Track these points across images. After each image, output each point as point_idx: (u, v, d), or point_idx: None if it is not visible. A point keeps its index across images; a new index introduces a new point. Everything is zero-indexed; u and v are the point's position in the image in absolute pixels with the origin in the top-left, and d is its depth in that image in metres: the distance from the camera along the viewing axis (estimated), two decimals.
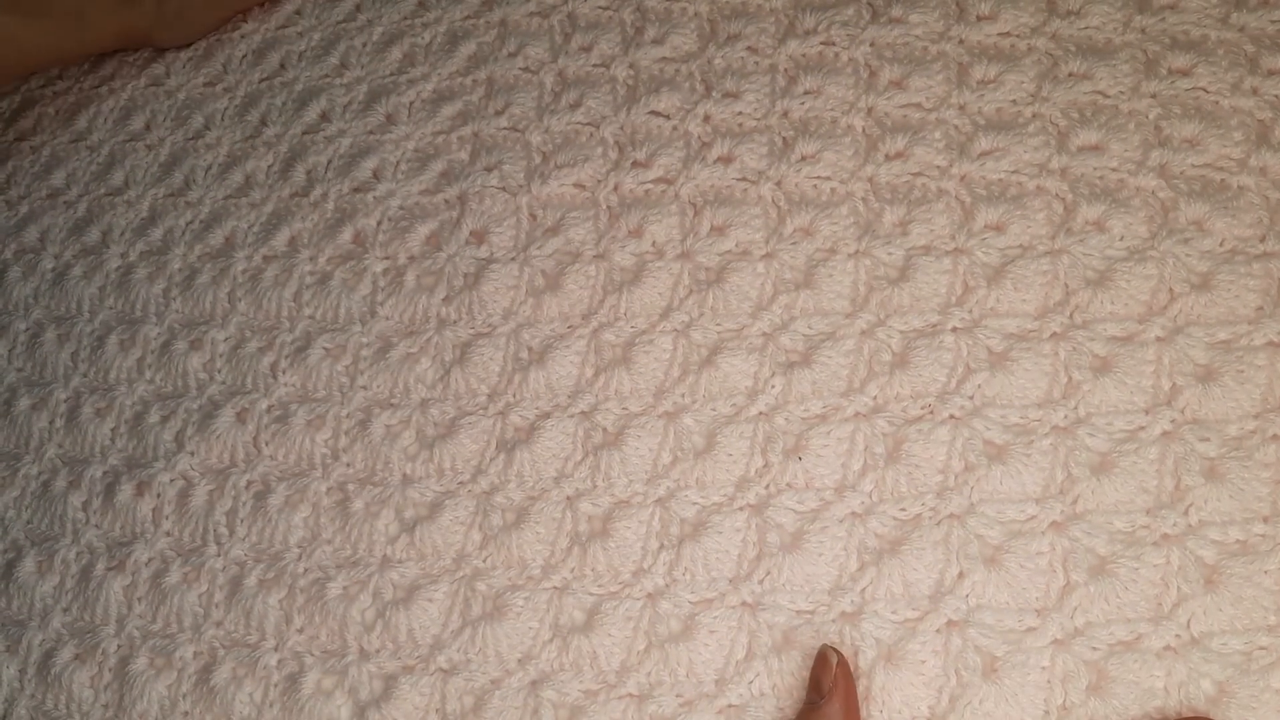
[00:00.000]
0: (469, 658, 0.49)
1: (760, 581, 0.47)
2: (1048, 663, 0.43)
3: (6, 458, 0.61)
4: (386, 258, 0.60)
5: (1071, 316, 0.48)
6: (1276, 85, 0.50)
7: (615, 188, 0.58)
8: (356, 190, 0.62)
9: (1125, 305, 0.48)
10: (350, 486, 0.54)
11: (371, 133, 0.64)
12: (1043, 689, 0.42)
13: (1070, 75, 0.53)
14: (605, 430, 0.52)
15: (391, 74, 0.66)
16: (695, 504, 0.49)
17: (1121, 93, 0.52)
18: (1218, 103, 0.50)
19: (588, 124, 0.60)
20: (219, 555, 0.54)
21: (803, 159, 0.55)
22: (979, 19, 0.56)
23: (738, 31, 0.60)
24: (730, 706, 0.45)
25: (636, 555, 0.49)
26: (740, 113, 0.57)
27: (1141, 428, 0.45)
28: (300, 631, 0.52)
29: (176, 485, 0.57)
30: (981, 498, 0.46)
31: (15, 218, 0.70)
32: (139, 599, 0.55)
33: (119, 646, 0.54)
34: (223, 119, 0.69)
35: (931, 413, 0.48)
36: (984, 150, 0.52)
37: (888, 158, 0.54)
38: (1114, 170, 0.50)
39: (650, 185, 0.57)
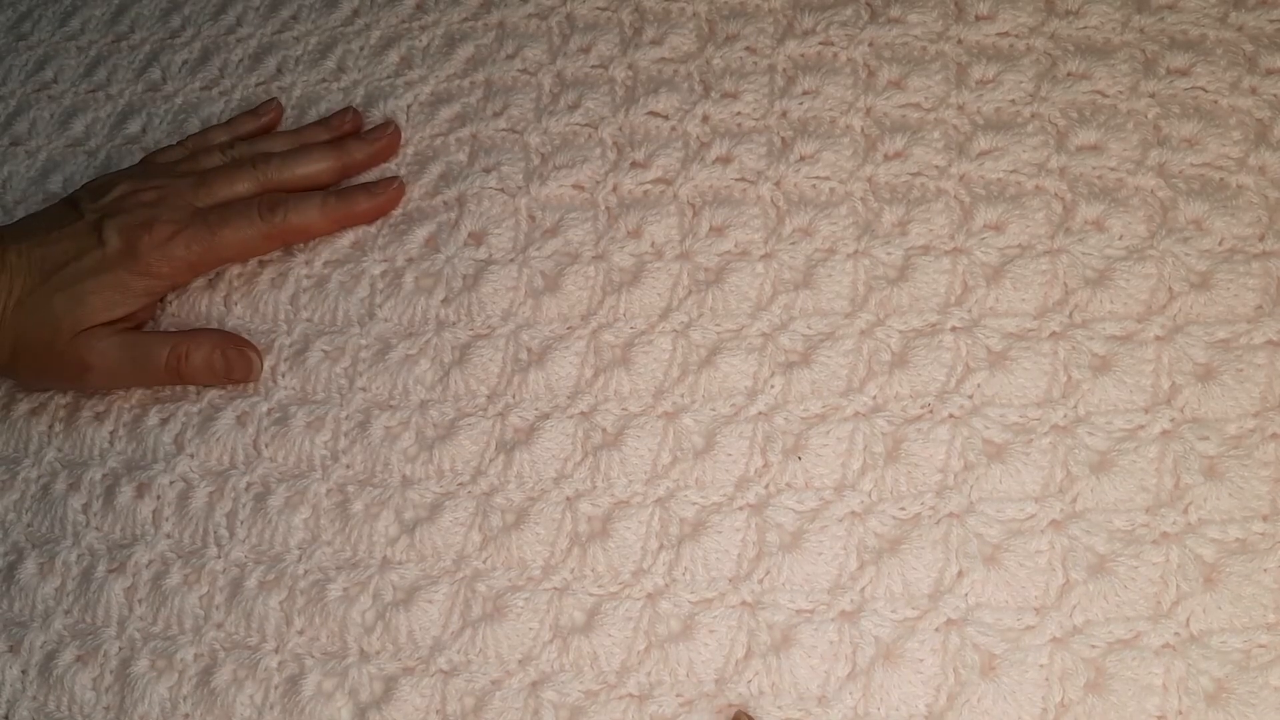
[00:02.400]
0: (469, 659, 0.49)
1: (760, 581, 0.47)
2: (1046, 660, 0.43)
3: (6, 461, 0.61)
4: (385, 260, 0.60)
5: (1071, 316, 0.48)
6: (1275, 84, 0.50)
7: (614, 188, 0.58)
8: None
9: (1124, 304, 0.48)
10: (350, 488, 0.54)
11: None
12: (1041, 687, 0.42)
13: (1069, 75, 0.53)
14: (605, 431, 0.52)
15: (389, 77, 0.66)
16: (695, 504, 0.49)
17: (1120, 92, 0.52)
18: (1216, 102, 0.50)
19: (586, 125, 0.60)
20: (219, 557, 0.54)
21: (801, 159, 0.55)
22: (977, 19, 0.56)
23: (736, 32, 0.60)
24: (730, 706, 0.45)
25: (636, 555, 0.49)
26: (739, 113, 0.57)
27: (1141, 426, 0.45)
28: (300, 633, 0.52)
29: (176, 487, 0.57)
30: (981, 496, 0.46)
31: (12, 222, 0.70)
32: (140, 601, 0.55)
33: (120, 648, 0.54)
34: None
35: (931, 412, 0.48)
36: (983, 150, 0.53)
37: (886, 158, 0.54)
38: (1113, 170, 0.50)
39: (649, 186, 0.57)
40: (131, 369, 0.58)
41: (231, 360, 0.58)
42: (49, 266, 0.57)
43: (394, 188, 0.61)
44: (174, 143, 0.65)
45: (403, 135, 0.63)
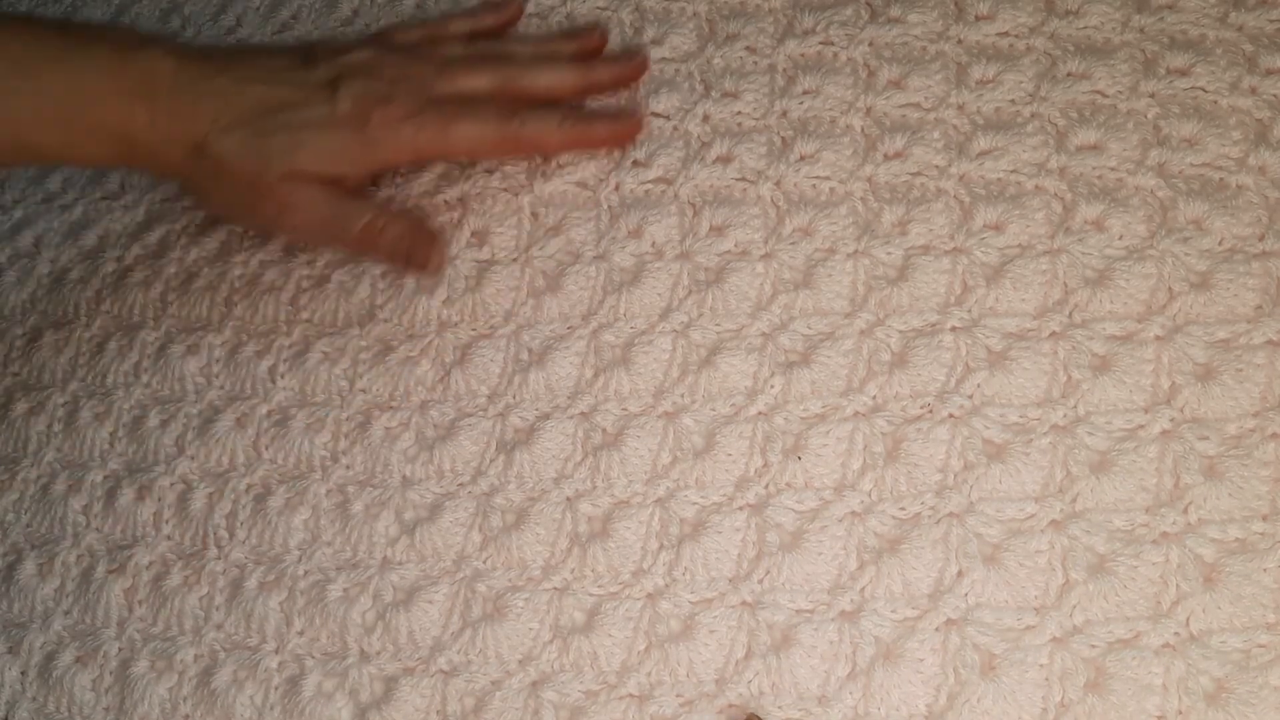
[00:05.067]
0: (469, 659, 0.49)
1: (760, 581, 0.47)
2: (1046, 660, 0.42)
3: (5, 461, 0.61)
4: None
5: (1070, 315, 0.48)
6: (1275, 84, 0.50)
7: (616, 187, 0.58)
8: None
9: (1124, 304, 0.48)
10: (350, 489, 0.54)
11: None
12: (1041, 687, 0.42)
13: (1069, 75, 0.53)
14: (605, 431, 0.52)
15: None
16: (695, 504, 0.49)
17: (1120, 92, 0.52)
18: (1216, 102, 0.50)
19: None
20: (219, 558, 0.54)
21: (801, 159, 0.55)
22: (977, 19, 0.56)
23: (736, 31, 0.60)
24: (731, 706, 0.45)
25: (636, 555, 0.49)
26: (739, 112, 0.57)
27: (1141, 426, 0.45)
28: (301, 634, 0.52)
29: (177, 489, 0.57)
30: (981, 496, 0.46)
31: (10, 222, 0.70)
32: (140, 602, 0.55)
33: (120, 649, 0.54)
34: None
35: (931, 412, 0.48)
36: (983, 150, 0.53)
37: (886, 157, 0.54)
38: (1113, 169, 0.50)
39: (650, 185, 0.57)
40: (327, 225, 0.56)
41: (416, 247, 0.56)
42: (268, 105, 0.54)
43: (635, 119, 0.56)
44: (409, 23, 0.62)
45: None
